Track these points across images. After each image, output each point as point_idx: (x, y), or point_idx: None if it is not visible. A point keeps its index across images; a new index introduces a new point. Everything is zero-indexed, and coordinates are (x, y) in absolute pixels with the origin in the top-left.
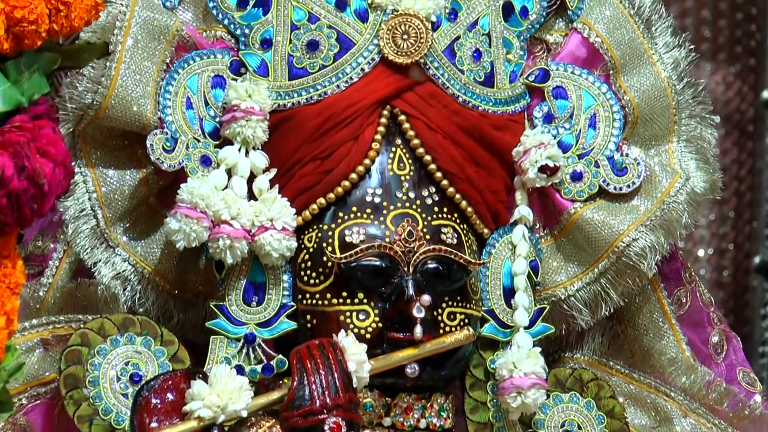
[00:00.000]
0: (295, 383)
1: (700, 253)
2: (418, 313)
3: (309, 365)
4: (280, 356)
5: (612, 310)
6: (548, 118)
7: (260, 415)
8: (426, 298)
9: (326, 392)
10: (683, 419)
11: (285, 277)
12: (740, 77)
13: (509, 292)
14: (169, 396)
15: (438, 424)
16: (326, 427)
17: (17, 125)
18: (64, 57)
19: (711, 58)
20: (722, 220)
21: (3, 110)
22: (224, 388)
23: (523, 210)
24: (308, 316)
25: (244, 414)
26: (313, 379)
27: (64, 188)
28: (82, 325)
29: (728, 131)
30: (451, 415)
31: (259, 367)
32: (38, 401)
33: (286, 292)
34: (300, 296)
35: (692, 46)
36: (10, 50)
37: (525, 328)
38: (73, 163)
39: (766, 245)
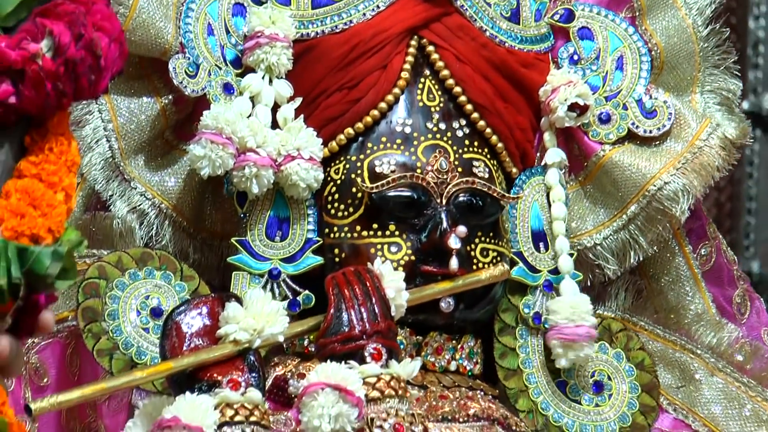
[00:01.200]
0: (332, 310)
1: None
2: (454, 244)
3: (347, 291)
4: (307, 292)
5: (640, 259)
6: (574, 60)
7: (285, 355)
8: (462, 229)
9: (365, 318)
10: (710, 378)
11: (310, 211)
12: None
13: (537, 235)
14: (202, 320)
15: (468, 368)
16: (366, 354)
17: None
18: None
19: None
20: None
21: None
22: (260, 311)
23: (557, 153)
24: (336, 250)
25: (281, 339)
26: (351, 305)
27: (119, 67)
28: (97, 260)
29: None
30: (480, 360)
31: (284, 304)
32: (50, 339)
33: (311, 227)
34: (327, 230)
35: None
36: None
37: (552, 273)
38: None
39: (746, 256)
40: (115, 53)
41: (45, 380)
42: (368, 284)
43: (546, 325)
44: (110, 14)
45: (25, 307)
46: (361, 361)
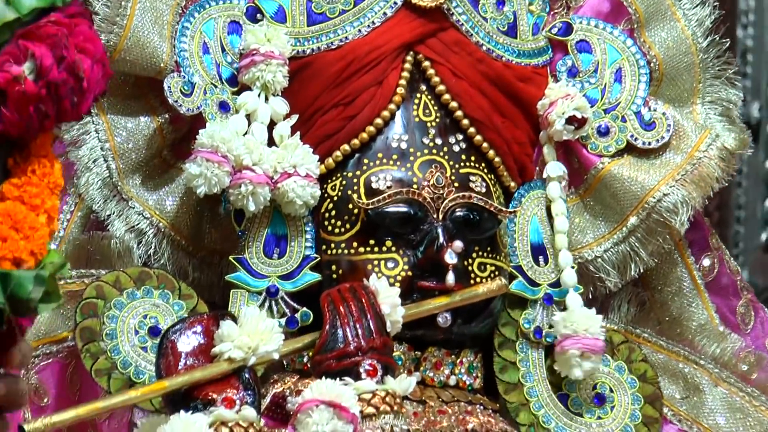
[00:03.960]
0: (327, 326)
1: None
2: (450, 259)
3: (342, 308)
4: (305, 309)
5: (641, 271)
6: (572, 72)
7: (284, 372)
8: (458, 244)
9: (360, 335)
10: (714, 388)
11: (307, 228)
12: None
13: (537, 249)
14: (197, 339)
15: (468, 382)
16: (362, 370)
17: (53, 20)
18: None
19: None
20: None
21: (37, 6)
22: (255, 328)
23: (558, 167)
24: (333, 267)
25: (276, 356)
26: (346, 321)
27: (102, 88)
28: (95, 280)
29: None
30: (480, 374)
31: (282, 321)
32: (50, 360)
33: (308, 243)
34: (324, 247)
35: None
36: None
37: (552, 286)
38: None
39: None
40: (98, 74)
41: (45, 400)
42: (363, 300)
43: (549, 339)
44: (93, 36)
45: (7, 332)
46: (357, 377)
